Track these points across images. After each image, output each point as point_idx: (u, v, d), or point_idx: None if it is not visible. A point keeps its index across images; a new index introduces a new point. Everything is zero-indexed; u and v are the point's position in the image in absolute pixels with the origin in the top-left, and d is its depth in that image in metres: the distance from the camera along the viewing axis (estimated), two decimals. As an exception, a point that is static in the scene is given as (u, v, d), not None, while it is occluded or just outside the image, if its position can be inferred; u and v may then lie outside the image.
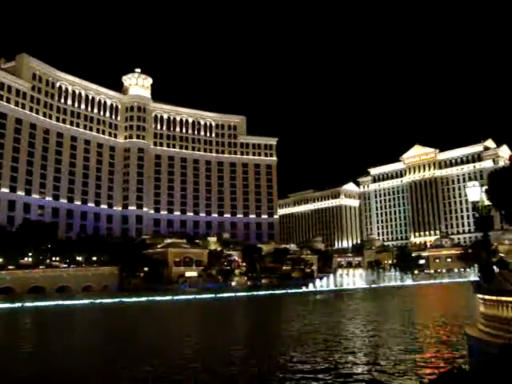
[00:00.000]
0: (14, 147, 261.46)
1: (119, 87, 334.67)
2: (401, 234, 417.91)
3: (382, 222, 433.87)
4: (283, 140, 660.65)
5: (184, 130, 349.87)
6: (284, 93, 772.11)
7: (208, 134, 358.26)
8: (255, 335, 43.59)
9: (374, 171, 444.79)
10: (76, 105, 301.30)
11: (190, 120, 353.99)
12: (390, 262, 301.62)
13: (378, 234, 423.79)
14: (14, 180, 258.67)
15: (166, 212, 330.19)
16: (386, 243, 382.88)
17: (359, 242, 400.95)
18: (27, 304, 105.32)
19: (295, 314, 71.52)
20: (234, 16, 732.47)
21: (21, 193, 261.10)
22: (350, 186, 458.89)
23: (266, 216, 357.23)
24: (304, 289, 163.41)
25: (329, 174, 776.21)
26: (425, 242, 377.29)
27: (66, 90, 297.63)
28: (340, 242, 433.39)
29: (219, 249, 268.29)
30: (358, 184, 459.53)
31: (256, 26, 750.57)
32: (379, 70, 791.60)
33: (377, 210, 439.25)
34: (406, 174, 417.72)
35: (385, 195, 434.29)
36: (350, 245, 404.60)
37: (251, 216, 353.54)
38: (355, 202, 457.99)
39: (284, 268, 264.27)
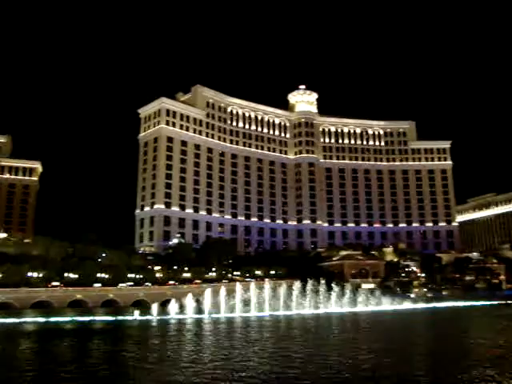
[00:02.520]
0: (195, 171, 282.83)
1: (285, 105, 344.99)
2: None
3: None
4: (458, 142, 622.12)
5: (352, 141, 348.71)
6: (454, 93, 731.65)
7: (377, 143, 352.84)
8: (441, 350, 41.18)
9: None
10: (247, 126, 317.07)
11: (358, 130, 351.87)
12: None
13: None
14: (196, 201, 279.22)
15: (339, 224, 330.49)
16: None
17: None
18: (214, 315, 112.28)
19: (488, 328, 65.63)
20: (394, 21, 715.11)
21: (203, 213, 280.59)
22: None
23: (443, 223, 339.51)
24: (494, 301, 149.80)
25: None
26: None
27: (237, 113, 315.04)
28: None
29: (396, 259, 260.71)
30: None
31: (416, 31, 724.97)
32: None
33: None
34: None
35: None
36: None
37: (428, 224, 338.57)
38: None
39: (467, 278, 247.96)
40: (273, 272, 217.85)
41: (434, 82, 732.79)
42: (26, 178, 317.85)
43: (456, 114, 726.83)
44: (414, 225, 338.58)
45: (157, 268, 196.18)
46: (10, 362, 37.52)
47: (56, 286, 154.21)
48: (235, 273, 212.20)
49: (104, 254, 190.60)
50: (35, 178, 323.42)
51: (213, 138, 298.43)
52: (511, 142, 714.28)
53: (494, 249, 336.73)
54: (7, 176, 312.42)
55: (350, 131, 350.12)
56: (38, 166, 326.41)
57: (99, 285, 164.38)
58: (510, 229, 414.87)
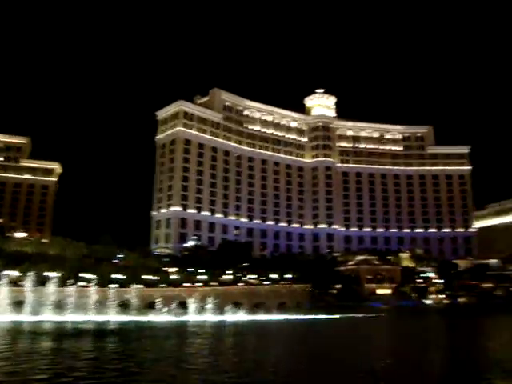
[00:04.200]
0: (211, 174, 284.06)
1: (302, 108, 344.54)
2: None
3: None
4: (477, 147, 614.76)
5: (370, 146, 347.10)
6: (474, 96, 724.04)
7: (394, 148, 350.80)
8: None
9: None
10: (264, 130, 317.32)
11: (375, 134, 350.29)
12: None
13: None
14: (212, 204, 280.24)
15: (356, 229, 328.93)
16: None
17: None
18: (228, 318, 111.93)
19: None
20: (412, 25, 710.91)
21: (219, 215, 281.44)
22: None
23: (461, 229, 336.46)
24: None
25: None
26: None
27: (254, 116, 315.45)
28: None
29: (412, 265, 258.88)
30: None
31: (429, 34, 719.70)
32: None
33: None
34: None
35: None
36: None
37: (445, 230, 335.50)
38: None
39: (484, 285, 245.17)
40: (288, 276, 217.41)
41: (453, 86, 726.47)
42: (45, 178, 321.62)
43: (475, 119, 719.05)
44: (431, 230, 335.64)
45: (172, 270, 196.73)
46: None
47: (84, 287, 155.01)
48: (250, 276, 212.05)
49: (120, 256, 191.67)
50: (54, 179, 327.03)
51: (230, 140, 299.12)
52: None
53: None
54: (26, 176, 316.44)
55: (367, 135, 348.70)
56: (57, 167, 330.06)
57: (115, 286, 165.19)
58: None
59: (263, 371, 35.14)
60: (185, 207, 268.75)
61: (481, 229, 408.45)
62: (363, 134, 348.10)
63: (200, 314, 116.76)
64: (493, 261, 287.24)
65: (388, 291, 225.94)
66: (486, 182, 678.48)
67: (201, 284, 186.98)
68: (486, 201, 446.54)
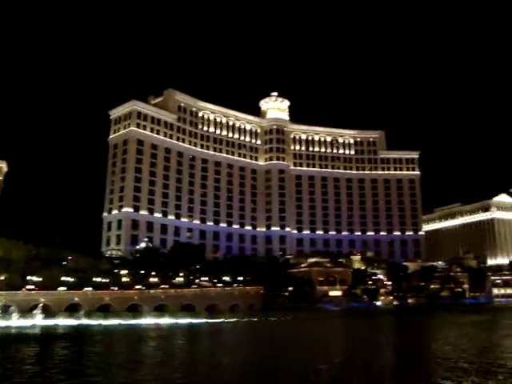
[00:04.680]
0: (164, 175, 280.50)
1: (257, 111, 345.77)
2: None
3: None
4: (426, 153, 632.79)
5: (323, 149, 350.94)
6: (424, 103, 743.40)
7: (347, 152, 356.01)
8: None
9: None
10: (218, 131, 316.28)
11: (329, 139, 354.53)
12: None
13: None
14: (165, 205, 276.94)
15: (308, 231, 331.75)
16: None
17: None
18: (181, 321, 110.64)
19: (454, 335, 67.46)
20: (363, 32, 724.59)
21: (171, 217, 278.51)
22: (502, 198, 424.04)
23: (410, 232, 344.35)
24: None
25: (478, 186, 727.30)
26: None
27: (208, 118, 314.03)
28: (494, 258, 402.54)
29: (363, 267, 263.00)
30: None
31: (383, 42, 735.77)
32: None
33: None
34: None
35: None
36: (507, 262, 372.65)
37: (395, 233, 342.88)
38: (510, 215, 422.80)
39: (432, 287, 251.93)
40: (240, 278, 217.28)
41: (404, 92, 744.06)
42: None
43: (424, 125, 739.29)
44: (382, 233, 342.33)
45: (124, 272, 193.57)
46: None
47: (31, 290, 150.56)
48: (203, 278, 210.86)
49: (70, 258, 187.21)
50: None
51: (183, 142, 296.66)
52: (477, 154, 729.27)
53: (458, 258, 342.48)
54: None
55: (320, 139, 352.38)
56: (2, 166, 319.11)
57: (64, 289, 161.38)
58: (474, 238, 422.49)
59: (214, 371, 35.00)
60: (137, 209, 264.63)
61: (428, 232, 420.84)
62: (317, 137, 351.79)
63: (152, 316, 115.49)
64: (439, 263, 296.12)
65: (340, 293, 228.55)
66: (433, 186, 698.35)
67: (153, 286, 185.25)
68: (433, 205, 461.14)
